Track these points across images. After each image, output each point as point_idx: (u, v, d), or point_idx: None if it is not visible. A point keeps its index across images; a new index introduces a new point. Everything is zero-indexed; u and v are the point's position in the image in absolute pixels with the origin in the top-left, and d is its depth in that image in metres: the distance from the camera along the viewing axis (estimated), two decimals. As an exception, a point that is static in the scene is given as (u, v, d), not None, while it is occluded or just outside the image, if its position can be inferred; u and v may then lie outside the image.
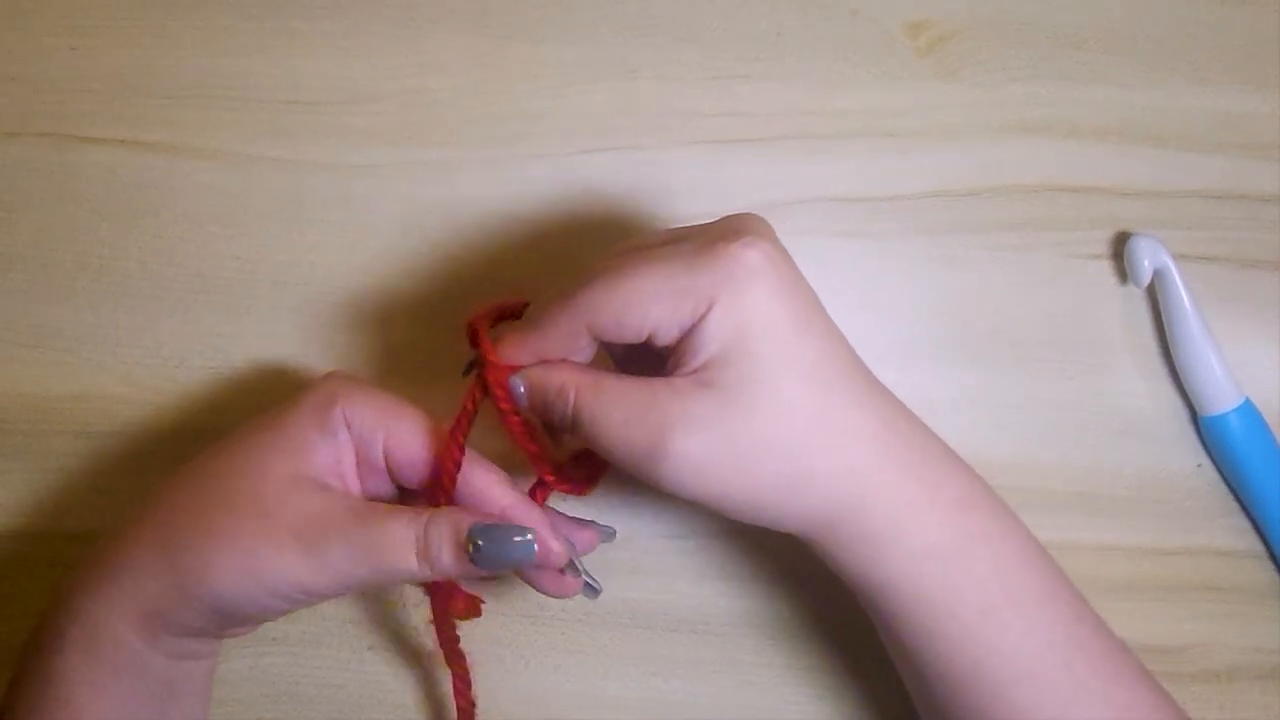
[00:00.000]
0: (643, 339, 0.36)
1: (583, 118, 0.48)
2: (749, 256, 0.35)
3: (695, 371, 0.35)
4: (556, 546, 0.38)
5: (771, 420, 0.35)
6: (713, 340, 0.35)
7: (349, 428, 0.39)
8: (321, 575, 0.36)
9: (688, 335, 0.35)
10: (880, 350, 0.46)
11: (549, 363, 0.38)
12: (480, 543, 0.36)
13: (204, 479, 0.38)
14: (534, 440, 0.39)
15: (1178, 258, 0.45)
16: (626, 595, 0.46)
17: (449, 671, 0.42)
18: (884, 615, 0.38)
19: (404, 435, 0.39)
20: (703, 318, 0.35)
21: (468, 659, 0.42)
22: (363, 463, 0.39)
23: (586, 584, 0.40)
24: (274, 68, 0.47)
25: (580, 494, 0.40)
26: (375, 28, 0.48)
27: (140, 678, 0.37)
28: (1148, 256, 0.46)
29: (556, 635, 0.46)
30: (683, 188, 0.47)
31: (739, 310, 0.35)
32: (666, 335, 0.36)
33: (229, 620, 0.37)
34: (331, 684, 0.45)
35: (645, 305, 0.35)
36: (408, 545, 0.36)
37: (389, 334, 0.46)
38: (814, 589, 0.46)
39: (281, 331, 0.46)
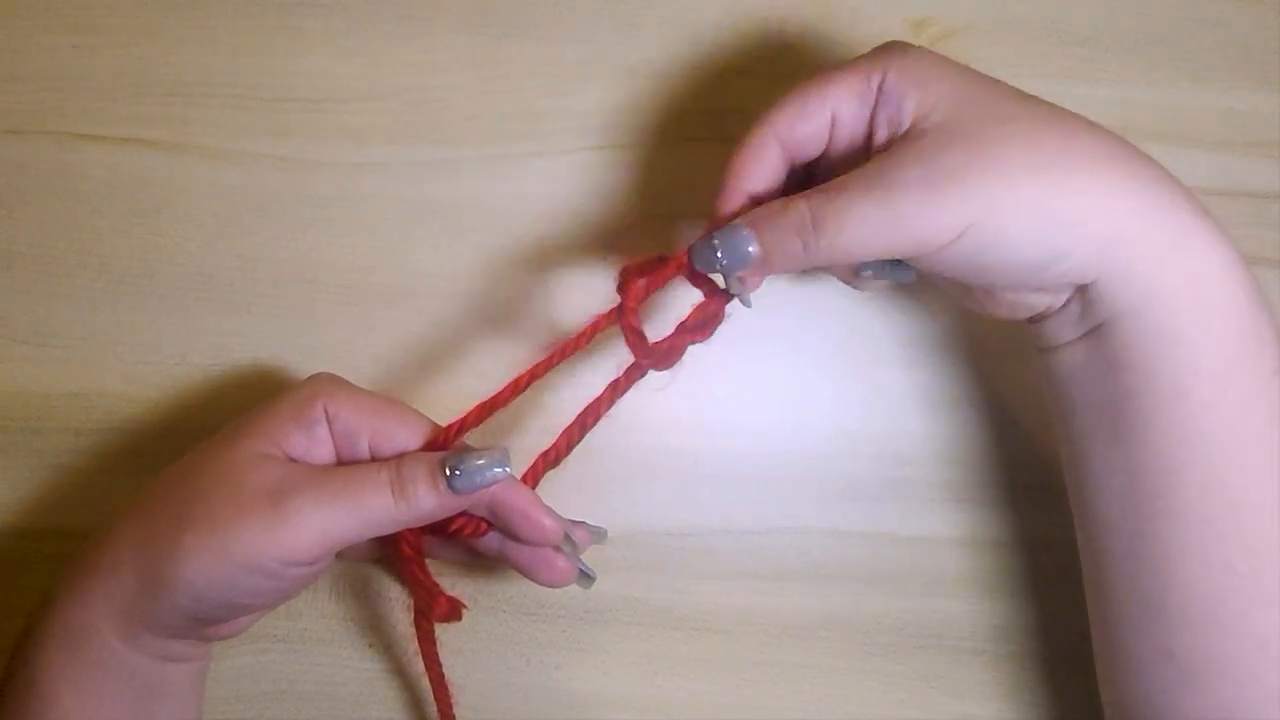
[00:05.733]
0: (827, 127, 0.37)
1: (583, 116, 0.48)
2: (900, 42, 0.38)
3: (909, 131, 0.36)
4: (550, 523, 0.38)
5: (1015, 121, 0.36)
6: (905, 95, 0.36)
7: (331, 424, 0.38)
8: (291, 534, 0.35)
9: (879, 107, 0.36)
10: (885, 348, 0.47)
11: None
12: (454, 469, 0.36)
13: (182, 473, 0.38)
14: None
15: (1179, 256, 0.45)
16: (627, 593, 0.46)
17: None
18: (1167, 366, 0.35)
19: (390, 431, 0.38)
20: (882, 87, 0.36)
21: (439, 647, 0.41)
22: (346, 460, 0.39)
23: (581, 571, 0.40)
24: (275, 66, 0.47)
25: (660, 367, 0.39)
26: (376, 26, 0.48)
27: (124, 679, 0.37)
28: (1149, 254, 0.45)
29: (557, 633, 0.46)
30: (684, 185, 0.47)
31: (913, 64, 0.36)
32: (850, 117, 0.37)
33: (203, 611, 0.37)
34: (332, 681, 0.45)
35: (822, 88, 0.37)
36: (381, 485, 0.36)
37: (389, 333, 0.46)
38: (814, 588, 0.46)
39: (282, 330, 0.46)
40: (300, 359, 0.46)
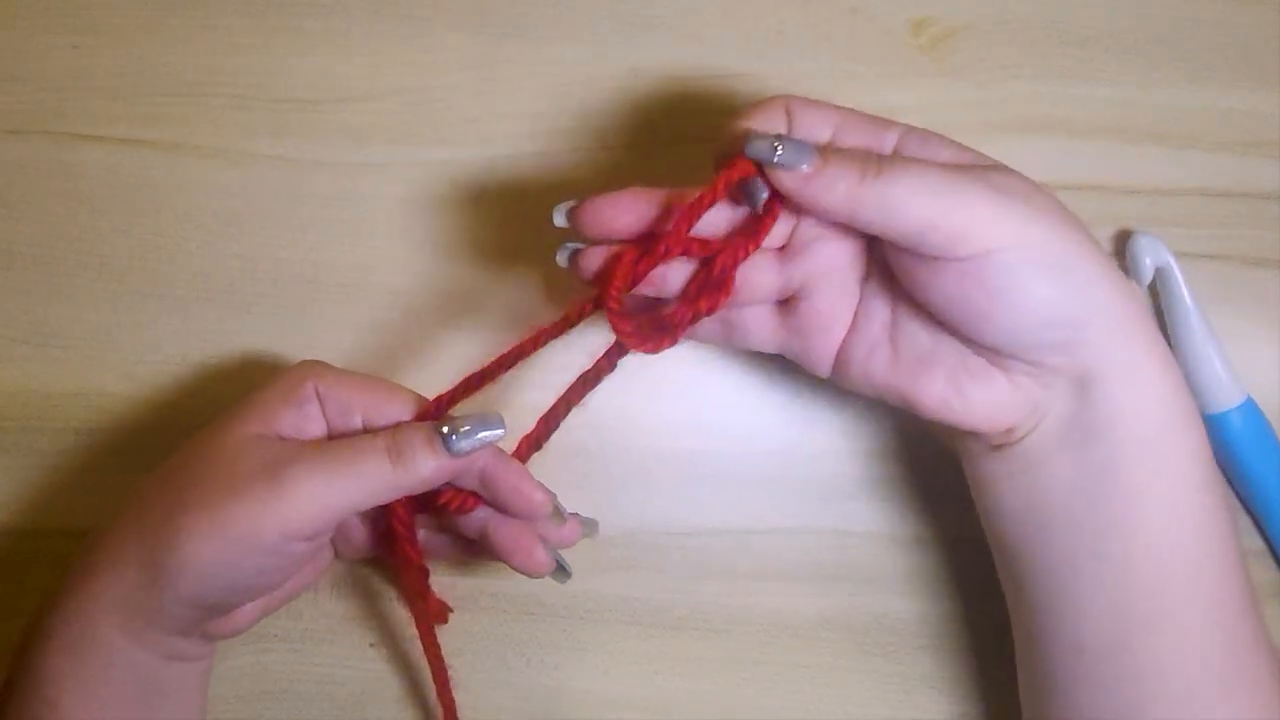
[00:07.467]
0: (828, 131, 0.38)
1: (583, 117, 0.48)
2: None
3: None
4: (540, 495, 0.38)
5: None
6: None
7: (323, 403, 0.39)
8: (289, 505, 0.35)
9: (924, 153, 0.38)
10: (881, 348, 0.47)
11: None
12: (450, 430, 0.36)
13: (177, 464, 0.38)
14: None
15: (1179, 256, 0.45)
16: (627, 593, 0.46)
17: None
18: (1133, 457, 0.36)
19: (382, 405, 0.39)
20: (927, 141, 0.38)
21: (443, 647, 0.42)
22: (340, 435, 0.39)
23: (559, 565, 0.40)
24: (275, 66, 0.48)
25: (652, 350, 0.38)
26: (376, 26, 0.48)
27: (127, 678, 0.37)
28: (1149, 255, 0.45)
29: (557, 633, 0.46)
30: (682, 186, 0.47)
31: None
32: (850, 140, 0.38)
33: (205, 596, 0.37)
34: (332, 681, 0.45)
35: (834, 108, 0.38)
36: (379, 451, 0.36)
37: (389, 333, 0.47)
38: (813, 588, 0.46)
39: (282, 330, 0.46)
40: (299, 358, 0.46)
